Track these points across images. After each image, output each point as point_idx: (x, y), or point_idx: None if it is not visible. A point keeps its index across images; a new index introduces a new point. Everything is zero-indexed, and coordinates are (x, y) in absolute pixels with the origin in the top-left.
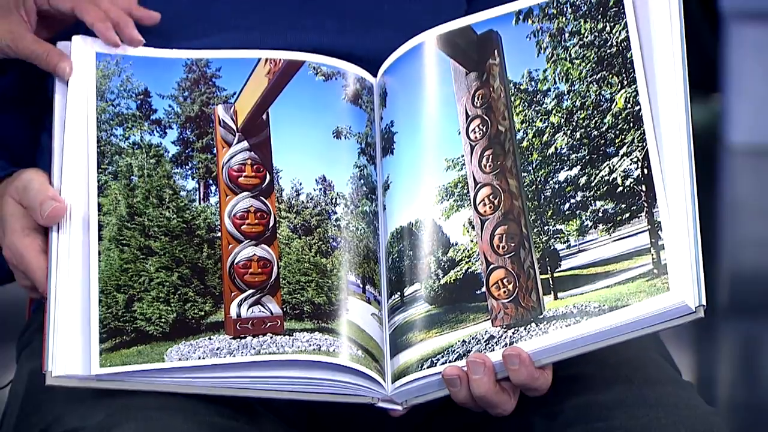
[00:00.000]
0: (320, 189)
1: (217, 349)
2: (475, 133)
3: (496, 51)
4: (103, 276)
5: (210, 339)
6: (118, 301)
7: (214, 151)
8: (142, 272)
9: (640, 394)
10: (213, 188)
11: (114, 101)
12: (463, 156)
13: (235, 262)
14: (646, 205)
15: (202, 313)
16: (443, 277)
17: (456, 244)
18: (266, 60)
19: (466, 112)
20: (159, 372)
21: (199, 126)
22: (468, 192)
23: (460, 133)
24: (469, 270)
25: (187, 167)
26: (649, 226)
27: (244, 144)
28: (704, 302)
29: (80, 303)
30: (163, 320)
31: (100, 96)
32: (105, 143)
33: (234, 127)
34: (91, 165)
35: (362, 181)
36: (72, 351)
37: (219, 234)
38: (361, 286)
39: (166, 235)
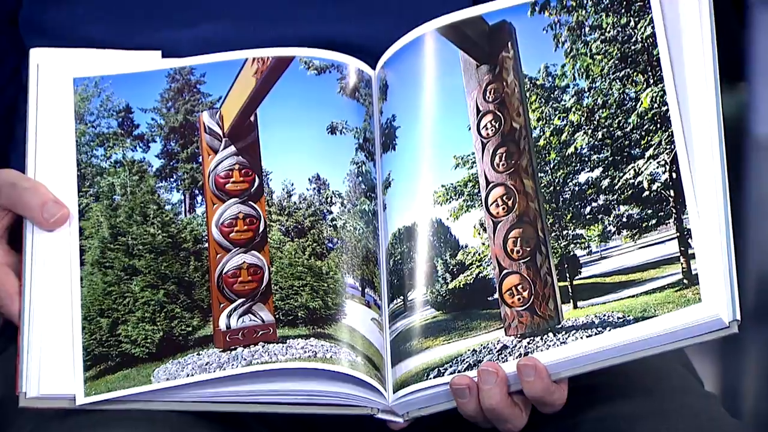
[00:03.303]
0: (314, 188)
1: (206, 364)
2: (486, 129)
3: (509, 43)
4: (86, 302)
5: (198, 354)
6: (101, 326)
7: (200, 160)
8: (126, 293)
9: (660, 406)
10: (199, 198)
11: (94, 122)
12: (473, 153)
13: (224, 271)
14: (674, 211)
15: (190, 329)
16: (452, 281)
17: (466, 247)
18: (253, 59)
19: (477, 107)
20: (146, 395)
21: (183, 136)
22: (479, 192)
23: (470, 128)
24: (481, 275)
25: (171, 180)
26: (678, 234)
27: (231, 149)
28: (738, 317)
29: (61, 332)
30: (149, 341)
31: (79, 119)
32: (85, 165)
33: (220, 133)
34: (70, 192)
35: (360, 178)
36: (52, 378)
37: (206, 245)
38: (360, 289)
39: (151, 252)
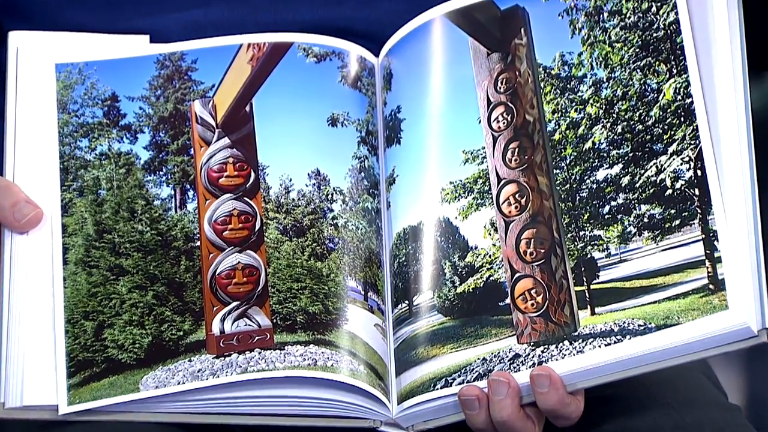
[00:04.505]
0: (313, 184)
1: (199, 371)
2: (498, 122)
3: (522, 30)
4: (69, 304)
5: (190, 361)
6: (86, 330)
7: (191, 152)
8: (112, 295)
9: (680, 420)
10: (190, 193)
11: (77, 111)
12: (483, 148)
13: (217, 272)
14: (699, 211)
15: (181, 333)
16: (460, 285)
17: (475, 248)
18: (248, 45)
19: (488, 98)
20: (133, 404)
21: (173, 126)
22: (490, 189)
23: (480, 121)
24: (491, 278)
25: (161, 173)
26: (704, 236)
27: (225, 141)
28: None
29: (42, 336)
30: (137, 346)
31: (62, 108)
32: (68, 158)
33: (213, 124)
34: (52, 186)
35: (363, 174)
36: (33, 387)
37: (198, 243)
38: (363, 292)
39: (139, 251)
